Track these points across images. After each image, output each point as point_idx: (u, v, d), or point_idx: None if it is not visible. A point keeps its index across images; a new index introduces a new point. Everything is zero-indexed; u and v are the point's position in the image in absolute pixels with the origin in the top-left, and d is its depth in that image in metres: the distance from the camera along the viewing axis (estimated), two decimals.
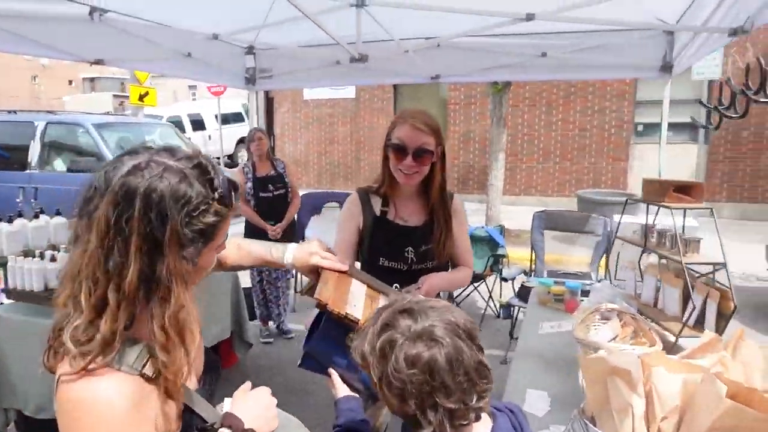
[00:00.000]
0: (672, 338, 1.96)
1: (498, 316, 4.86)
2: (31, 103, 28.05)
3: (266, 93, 12.91)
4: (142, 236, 0.87)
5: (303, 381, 3.82)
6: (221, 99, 12.67)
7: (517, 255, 6.56)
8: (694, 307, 1.84)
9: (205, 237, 0.94)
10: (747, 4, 2.03)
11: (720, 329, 1.86)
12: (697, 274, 2.05)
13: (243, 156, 15.24)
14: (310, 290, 1.36)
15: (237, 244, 1.48)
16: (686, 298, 2.02)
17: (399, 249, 1.91)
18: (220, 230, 0.97)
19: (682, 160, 10.23)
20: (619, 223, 2.52)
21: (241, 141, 15.07)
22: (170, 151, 0.94)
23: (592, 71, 3.83)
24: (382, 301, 1.39)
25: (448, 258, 1.98)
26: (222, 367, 3.90)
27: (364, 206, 1.97)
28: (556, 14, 2.80)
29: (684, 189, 2.03)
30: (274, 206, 4.25)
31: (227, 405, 1.14)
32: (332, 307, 1.25)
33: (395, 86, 11.89)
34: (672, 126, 10.57)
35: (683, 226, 2.20)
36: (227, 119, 14.75)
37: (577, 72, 3.94)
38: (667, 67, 3.55)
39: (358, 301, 1.35)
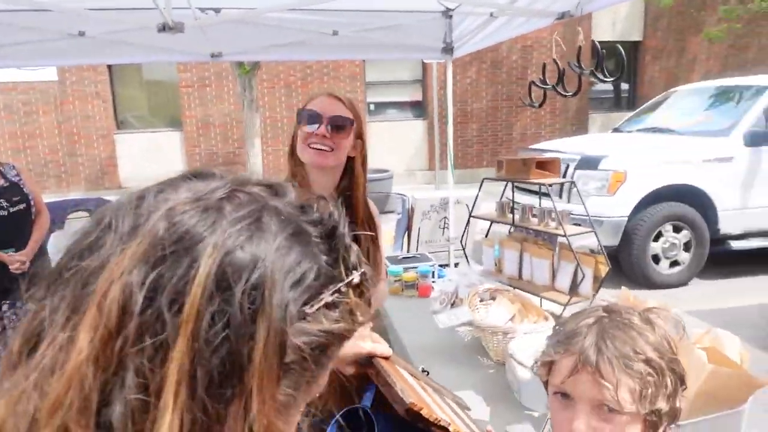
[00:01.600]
0: (556, 307, 2.07)
1: None
2: None
3: None
4: (228, 356, 0.41)
5: None
6: None
7: None
8: (584, 276, 1.96)
9: (326, 354, 0.50)
10: None
11: (595, 291, 2.03)
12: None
13: None
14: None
15: None
16: (555, 267, 2.15)
17: None
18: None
19: (410, 136, 11.46)
20: (475, 198, 2.56)
21: None
22: (273, 187, 0.48)
23: (381, 50, 3.81)
24: (431, 391, 1.00)
25: None
26: None
27: None
28: None
29: (543, 165, 2.14)
30: (14, 227, 3.14)
31: None
32: (428, 413, 0.81)
33: (110, 67, 10.26)
34: (397, 104, 11.75)
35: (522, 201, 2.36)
36: None
37: (366, 52, 3.88)
38: (448, 49, 3.76)
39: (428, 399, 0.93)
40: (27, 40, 3.34)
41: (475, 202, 2.62)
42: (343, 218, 0.49)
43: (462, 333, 2.24)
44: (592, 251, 2.09)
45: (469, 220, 2.52)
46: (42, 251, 3.36)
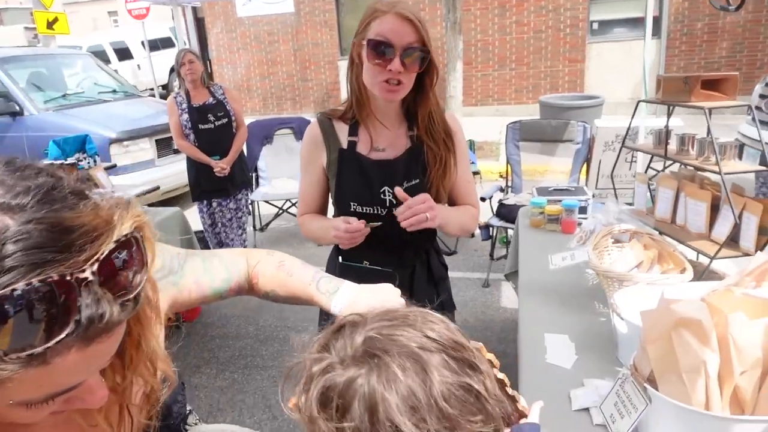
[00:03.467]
0: (705, 261, 1.70)
1: (472, 236, 4.63)
2: None
3: (195, 12, 11.72)
4: None
5: (276, 328, 3.52)
6: (146, 23, 11.42)
7: (486, 168, 6.30)
8: (736, 223, 1.56)
9: None
10: None
11: (760, 247, 1.60)
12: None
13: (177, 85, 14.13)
14: None
15: (279, 262, 1.06)
16: (715, 213, 1.75)
17: (372, 189, 1.47)
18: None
19: (638, 58, 9.99)
20: (629, 127, 2.18)
21: (174, 69, 13.89)
22: None
23: None
24: None
25: (443, 198, 1.52)
26: (184, 321, 3.56)
27: (327, 137, 1.51)
28: None
29: (712, 84, 1.70)
30: (217, 138, 3.73)
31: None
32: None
33: None
34: (624, 22, 10.25)
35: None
36: (156, 45, 13.45)
37: None
38: None
39: None
40: None
41: (627, 131, 2.22)
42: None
43: (589, 276, 2.02)
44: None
45: (620, 152, 2.15)
46: (240, 159, 3.93)
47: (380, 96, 1.39)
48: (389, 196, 1.46)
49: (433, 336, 0.56)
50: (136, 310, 0.55)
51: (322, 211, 1.64)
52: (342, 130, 1.52)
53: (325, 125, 1.53)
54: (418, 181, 1.47)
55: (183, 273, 0.91)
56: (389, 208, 1.47)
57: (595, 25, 10.05)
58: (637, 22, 9.68)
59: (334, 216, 1.56)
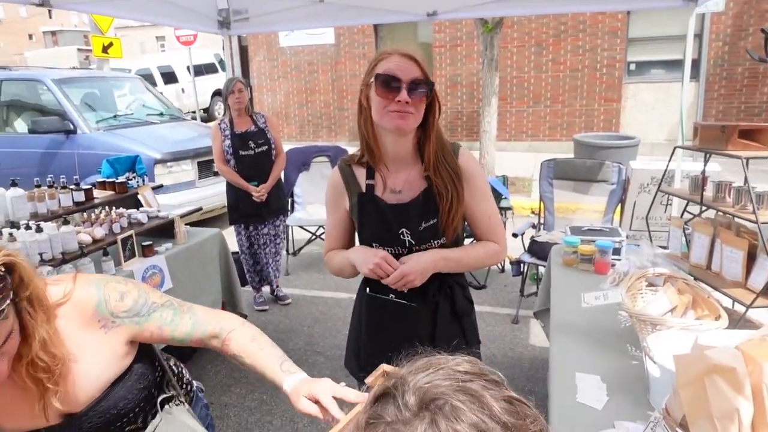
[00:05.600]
0: (740, 309, 1.70)
1: (502, 271, 4.64)
2: None
3: (239, 41, 12.17)
4: None
5: (305, 352, 3.58)
6: (192, 49, 11.91)
7: (517, 204, 6.31)
8: None
9: None
10: None
11: None
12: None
13: (220, 109, 14.57)
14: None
15: (252, 336, 1.25)
16: (751, 261, 1.76)
17: (392, 231, 1.53)
18: None
19: (675, 99, 9.94)
20: (665, 170, 2.20)
21: (216, 93, 14.35)
22: None
23: (608, 2, 3.43)
24: None
25: (455, 232, 1.57)
26: None
27: (348, 183, 1.60)
28: None
29: (750, 132, 1.73)
30: (257, 165, 3.86)
31: None
32: None
33: (376, 29, 11.26)
34: (662, 63, 10.22)
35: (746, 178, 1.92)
36: (200, 71, 13.97)
37: (589, 3, 3.54)
38: None
39: None
40: (282, 9, 3.97)
41: (664, 174, 2.24)
42: None
43: (622, 318, 2.03)
44: None
45: (655, 195, 2.16)
46: (278, 186, 4.05)
47: (391, 127, 1.44)
48: (408, 236, 1.53)
49: (463, 369, 0.61)
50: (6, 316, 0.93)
51: (347, 248, 1.70)
52: (361, 174, 1.59)
53: (346, 172, 1.61)
54: (434, 221, 1.52)
55: (149, 318, 1.19)
56: (409, 248, 1.54)
57: (633, 66, 10.06)
58: (674, 64, 9.66)
59: None
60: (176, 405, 1.32)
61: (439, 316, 1.62)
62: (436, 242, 1.54)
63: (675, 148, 2.12)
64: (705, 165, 1.98)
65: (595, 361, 1.72)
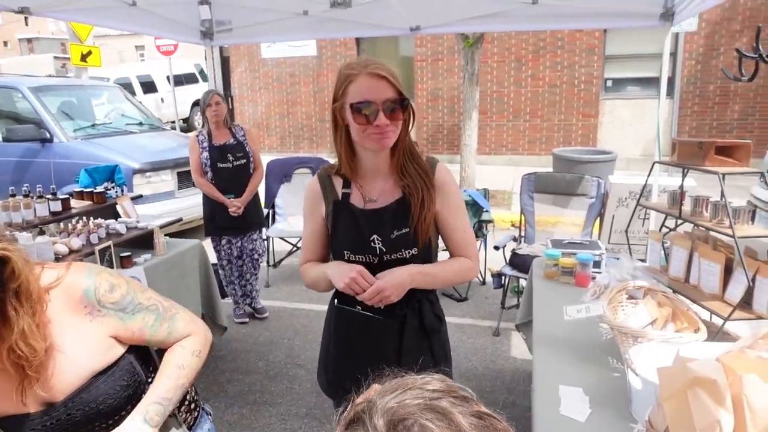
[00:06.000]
0: (717, 321, 1.74)
1: (483, 283, 4.66)
2: None
3: (221, 51, 12.13)
4: None
5: (285, 365, 3.54)
6: (172, 59, 11.83)
7: (498, 217, 6.36)
8: (750, 286, 1.61)
9: None
10: None
11: None
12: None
13: (200, 119, 14.47)
14: None
15: (180, 364, 1.26)
16: (728, 274, 1.80)
17: (363, 238, 1.52)
18: None
19: (653, 116, 10.17)
20: (644, 185, 2.25)
21: (196, 104, 14.26)
22: None
23: (586, 20, 3.52)
24: None
25: (427, 236, 1.55)
26: None
27: (325, 191, 1.60)
28: None
29: (726, 149, 1.78)
30: (235, 178, 3.82)
31: None
32: None
33: (358, 42, 11.33)
34: (637, 81, 10.48)
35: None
36: (180, 80, 13.88)
37: (568, 21, 3.62)
38: (668, 15, 3.27)
39: None
40: (265, 20, 3.97)
41: (643, 189, 2.29)
42: None
43: (603, 330, 2.05)
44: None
45: (635, 209, 2.21)
46: (255, 199, 4.02)
47: (372, 148, 1.46)
48: (379, 244, 1.52)
49: (432, 387, 0.62)
50: None
51: (323, 260, 1.69)
52: (338, 183, 1.60)
53: (325, 180, 1.62)
54: (407, 230, 1.52)
55: (132, 318, 1.21)
56: (380, 256, 1.53)
57: (609, 83, 10.29)
58: (649, 82, 9.91)
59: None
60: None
61: (406, 331, 1.59)
62: (407, 252, 1.53)
63: (654, 163, 2.17)
64: (683, 180, 2.03)
65: (578, 373, 1.73)
